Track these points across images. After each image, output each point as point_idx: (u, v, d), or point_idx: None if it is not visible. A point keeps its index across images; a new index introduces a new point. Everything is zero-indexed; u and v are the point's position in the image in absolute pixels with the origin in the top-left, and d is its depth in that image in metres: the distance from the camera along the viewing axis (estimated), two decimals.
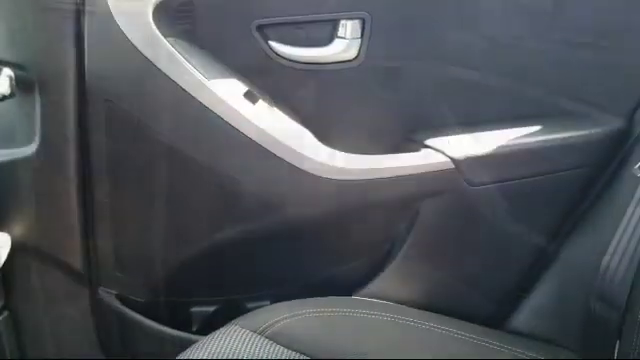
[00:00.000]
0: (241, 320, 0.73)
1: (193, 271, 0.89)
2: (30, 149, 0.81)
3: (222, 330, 0.71)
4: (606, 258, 0.75)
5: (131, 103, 0.80)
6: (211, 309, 0.92)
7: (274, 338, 0.69)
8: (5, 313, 0.85)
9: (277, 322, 0.71)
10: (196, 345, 0.69)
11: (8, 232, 0.83)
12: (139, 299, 0.91)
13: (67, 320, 0.91)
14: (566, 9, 0.82)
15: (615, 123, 0.83)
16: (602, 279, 0.75)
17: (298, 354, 0.68)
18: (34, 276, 0.87)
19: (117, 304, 0.90)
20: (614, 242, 0.74)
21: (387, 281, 0.87)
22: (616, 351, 0.74)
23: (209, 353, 0.66)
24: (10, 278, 0.85)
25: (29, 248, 0.85)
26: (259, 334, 0.69)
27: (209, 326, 0.88)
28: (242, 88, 0.81)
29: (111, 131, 0.81)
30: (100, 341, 0.93)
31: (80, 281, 0.89)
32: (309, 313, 0.73)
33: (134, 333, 0.91)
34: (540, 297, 0.88)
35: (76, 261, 0.87)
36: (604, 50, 0.83)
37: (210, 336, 0.71)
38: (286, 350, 0.68)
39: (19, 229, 0.84)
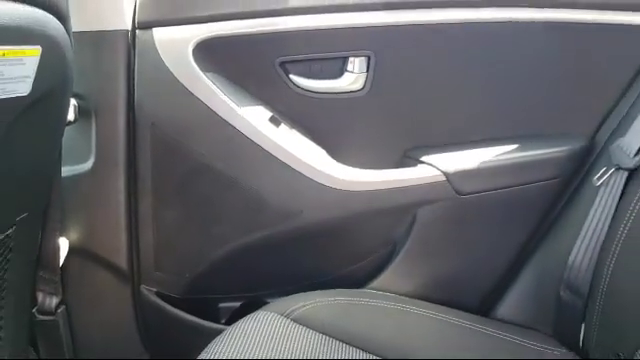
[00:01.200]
0: (269, 307, 0.84)
1: (222, 271, 0.99)
2: (87, 165, 0.93)
3: (253, 315, 0.82)
4: (572, 255, 0.84)
5: (173, 127, 0.92)
6: (237, 304, 1.03)
7: (298, 320, 0.80)
8: (62, 307, 0.96)
9: (300, 307, 0.82)
10: (233, 326, 0.80)
11: (66, 237, 0.96)
12: (175, 295, 1.01)
13: (112, 314, 1.02)
14: (534, 56, 0.92)
15: (580, 143, 0.93)
16: (569, 273, 0.85)
17: (319, 334, 0.79)
18: (86, 275, 0.99)
19: (156, 299, 1.01)
20: (579, 241, 0.84)
21: (390, 277, 0.97)
22: (582, 331, 0.84)
23: (245, 332, 0.77)
24: (66, 277, 0.96)
25: (83, 251, 0.97)
26: (285, 317, 0.80)
27: (236, 319, 1.00)
28: (267, 114, 0.93)
29: (155, 150, 0.93)
30: (139, 332, 1.04)
31: (124, 280, 1.00)
32: (327, 301, 0.84)
33: (170, 324, 1.02)
34: (520, 289, 0.97)
35: (122, 262, 0.98)
36: (571, 85, 0.93)
37: (244, 319, 0.81)
38: (309, 330, 0.79)
39: (75, 234, 0.96)
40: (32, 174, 0.77)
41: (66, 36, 0.72)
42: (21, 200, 0.77)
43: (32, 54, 0.65)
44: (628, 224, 0.78)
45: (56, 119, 0.78)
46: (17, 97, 0.65)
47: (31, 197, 0.79)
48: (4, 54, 0.60)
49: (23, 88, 0.65)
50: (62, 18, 0.71)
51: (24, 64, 0.64)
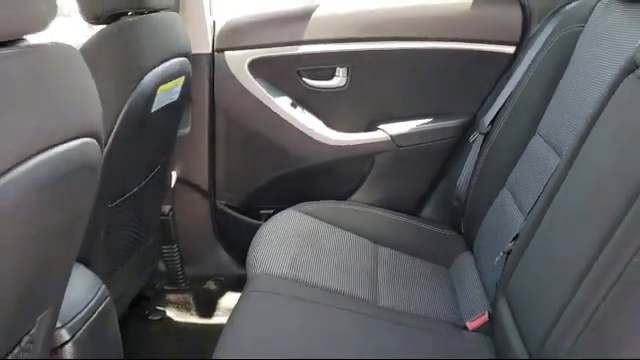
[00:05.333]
0: (291, 208, 1.49)
1: (264, 191, 1.68)
2: (186, 130, 1.60)
3: (282, 212, 1.47)
4: (458, 181, 1.48)
5: (236, 109, 1.59)
6: (271, 211, 1.68)
7: (311, 214, 1.44)
8: (171, 213, 1.67)
9: (311, 208, 1.46)
10: (271, 219, 1.48)
11: (175, 171, 1.66)
12: (236, 206, 1.70)
13: (199, 218, 1.71)
14: (441, 68, 1.55)
15: (466, 118, 1.57)
16: (457, 191, 1.50)
17: (322, 222, 1.43)
18: (184, 194, 1.67)
19: (225, 209, 1.70)
20: (461, 175, 1.48)
21: (360, 194, 1.64)
22: (462, 223, 1.52)
23: (279, 220, 1.43)
24: (174, 194, 1.66)
25: (183, 180, 1.65)
26: (302, 212, 1.47)
27: None
28: (289, 101, 1.59)
29: (226, 122, 1.60)
30: (214, 229, 1.72)
31: (206, 197, 1.68)
32: (326, 205, 1.48)
33: (233, 224, 1.71)
34: (433, 199, 1.64)
35: (205, 186, 1.66)
36: (462, 84, 1.55)
37: (277, 215, 1.46)
38: (317, 220, 1.43)
39: (179, 169, 1.64)
40: (173, 136, 1.47)
41: (190, 67, 1.40)
42: (166, 149, 1.46)
43: (181, 80, 1.34)
44: (480, 163, 1.45)
45: (183, 108, 1.47)
46: (176, 100, 1.34)
47: (169, 148, 1.49)
48: (176, 83, 1.29)
49: (176, 96, 1.34)
50: (189, 59, 1.39)
51: (178, 85, 1.33)
